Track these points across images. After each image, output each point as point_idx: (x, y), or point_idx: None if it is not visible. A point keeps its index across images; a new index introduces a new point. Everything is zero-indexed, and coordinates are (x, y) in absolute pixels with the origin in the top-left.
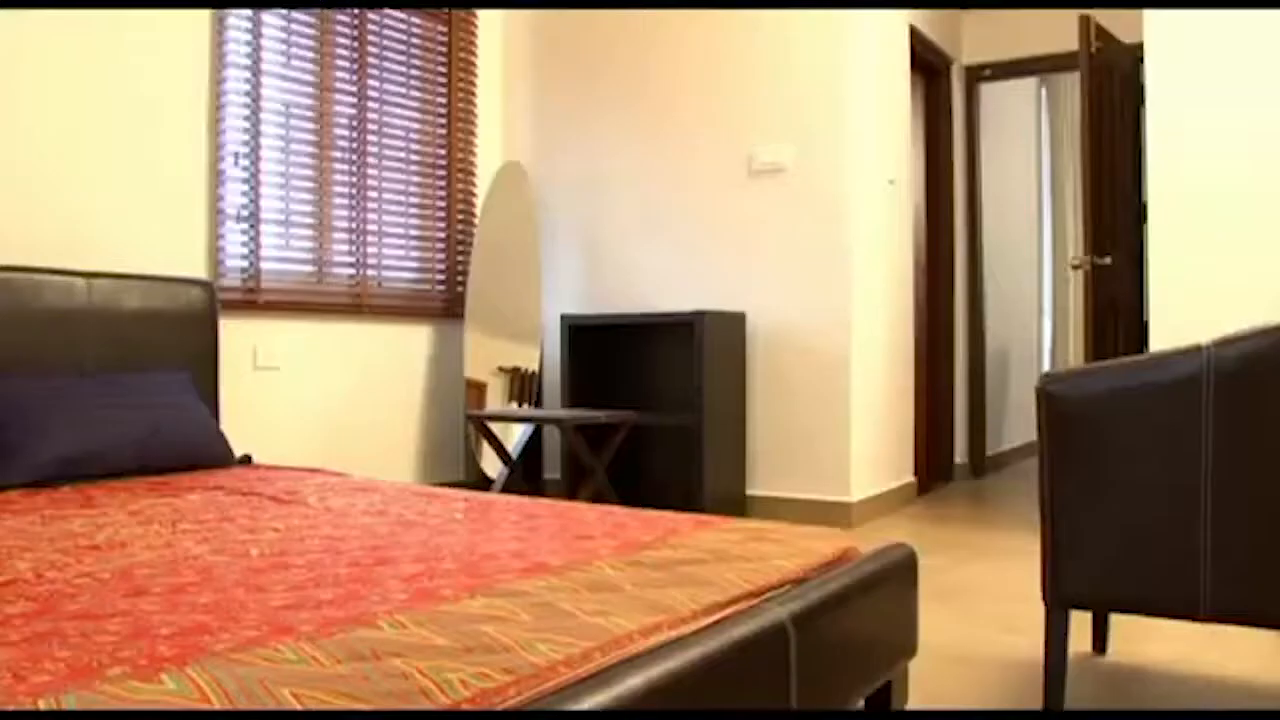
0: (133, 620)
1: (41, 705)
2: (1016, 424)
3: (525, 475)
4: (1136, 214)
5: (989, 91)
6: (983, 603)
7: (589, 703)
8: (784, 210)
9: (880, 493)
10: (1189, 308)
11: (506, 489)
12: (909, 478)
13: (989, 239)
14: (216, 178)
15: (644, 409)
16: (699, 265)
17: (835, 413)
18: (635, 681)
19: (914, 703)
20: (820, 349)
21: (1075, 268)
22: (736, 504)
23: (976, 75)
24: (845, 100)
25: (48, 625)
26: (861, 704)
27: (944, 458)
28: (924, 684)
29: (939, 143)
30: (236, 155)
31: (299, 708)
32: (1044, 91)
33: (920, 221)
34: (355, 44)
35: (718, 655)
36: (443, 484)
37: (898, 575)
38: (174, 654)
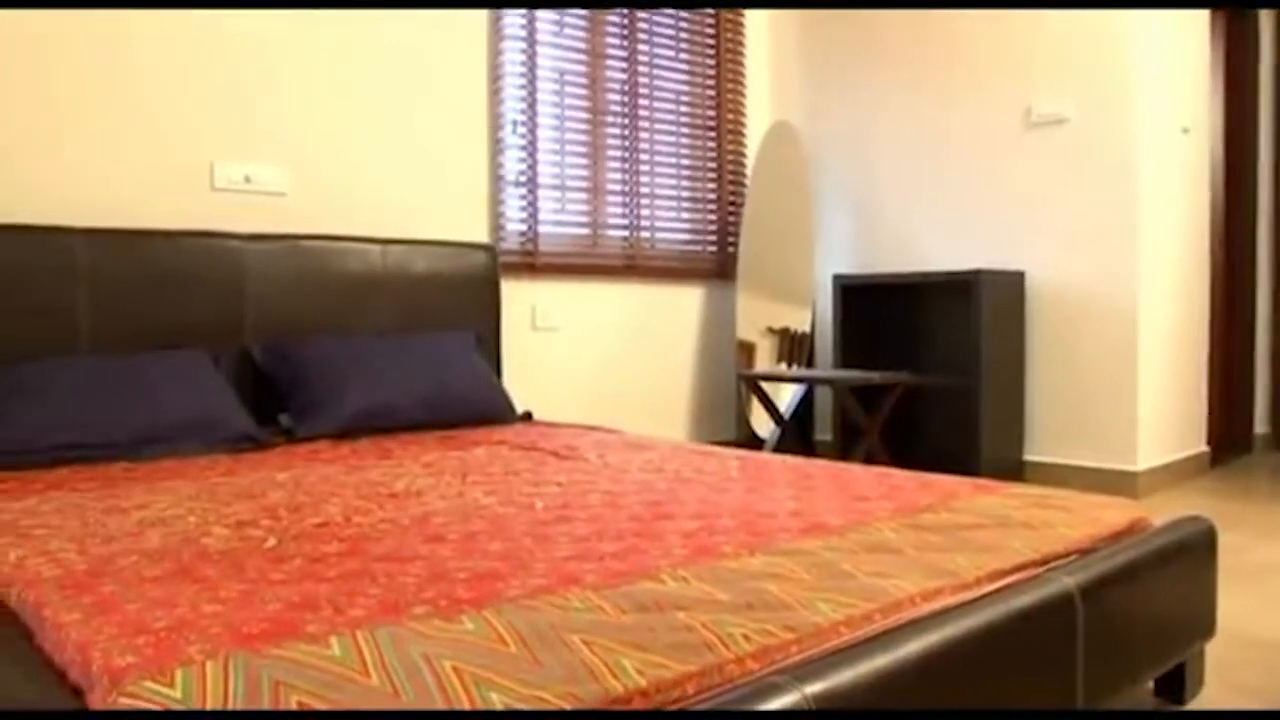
0: (432, 564)
1: (359, 636)
2: None
3: (796, 436)
4: None
5: None
6: None
7: (869, 665)
8: (1065, 164)
9: (1168, 462)
10: None
11: (778, 449)
12: (1201, 447)
13: None
14: (496, 146)
15: (917, 370)
16: (975, 223)
17: (1120, 376)
18: (916, 646)
19: (1210, 688)
20: (1105, 309)
21: None
22: (1013, 470)
23: None
24: (1133, 45)
25: (358, 565)
26: (1151, 684)
27: (1241, 427)
28: (1222, 669)
29: (1243, 85)
30: (514, 123)
31: (589, 655)
32: None
33: (1218, 171)
34: (625, 9)
35: (1001, 624)
36: (714, 443)
37: (1194, 549)
38: (471, 597)
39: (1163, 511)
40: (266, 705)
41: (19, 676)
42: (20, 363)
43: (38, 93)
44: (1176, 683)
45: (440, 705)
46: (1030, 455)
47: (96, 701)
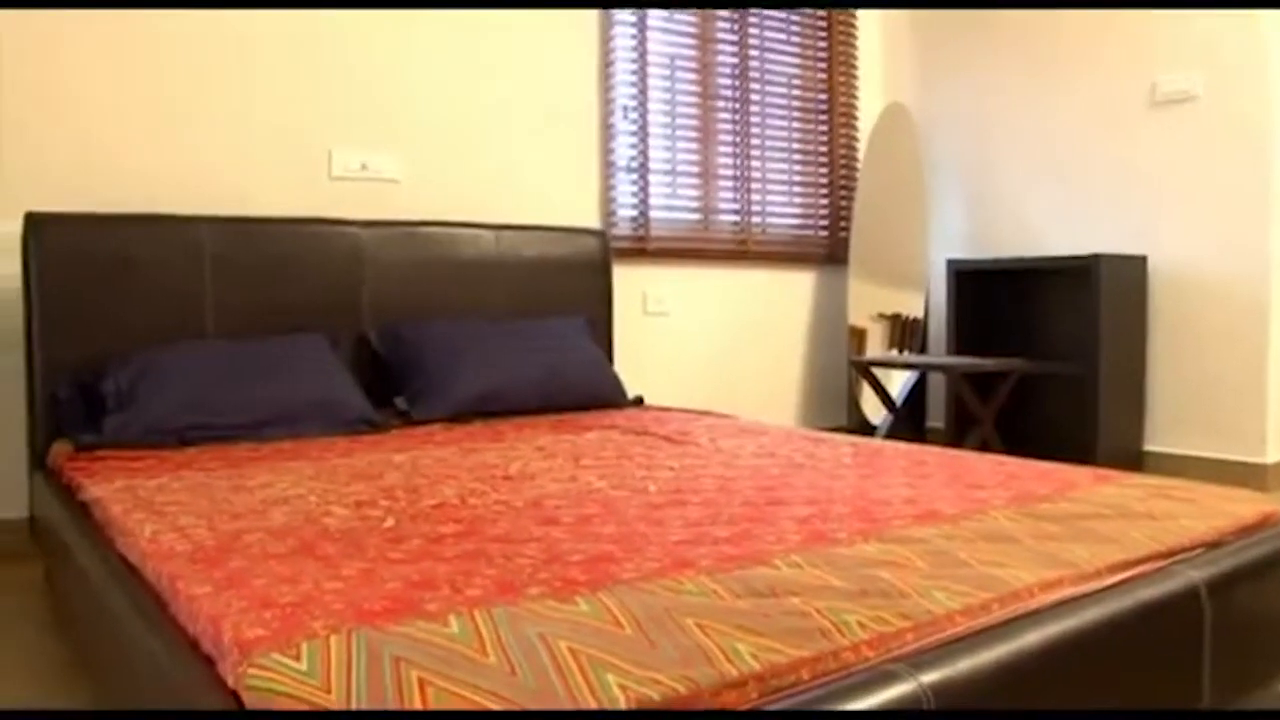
0: (546, 546)
1: (477, 615)
2: None
3: (908, 423)
4: None
5: None
6: None
7: (988, 655)
8: (1192, 143)
9: None
10: None
11: (890, 435)
12: None
13: None
14: (607, 131)
15: (1033, 356)
16: (1095, 206)
17: (1251, 364)
18: (1036, 637)
19: None
20: (1234, 294)
21: None
22: (1132, 459)
23: None
24: (1268, 15)
25: (474, 545)
26: None
27: None
28: None
29: None
30: (625, 109)
31: (703, 638)
32: None
33: None
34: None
35: (1124, 617)
36: (825, 429)
37: None
38: (586, 579)
39: None
40: (388, 681)
41: (159, 645)
42: (152, 346)
43: (166, 89)
44: None
45: (556, 685)
46: (1151, 445)
47: (227, 671)
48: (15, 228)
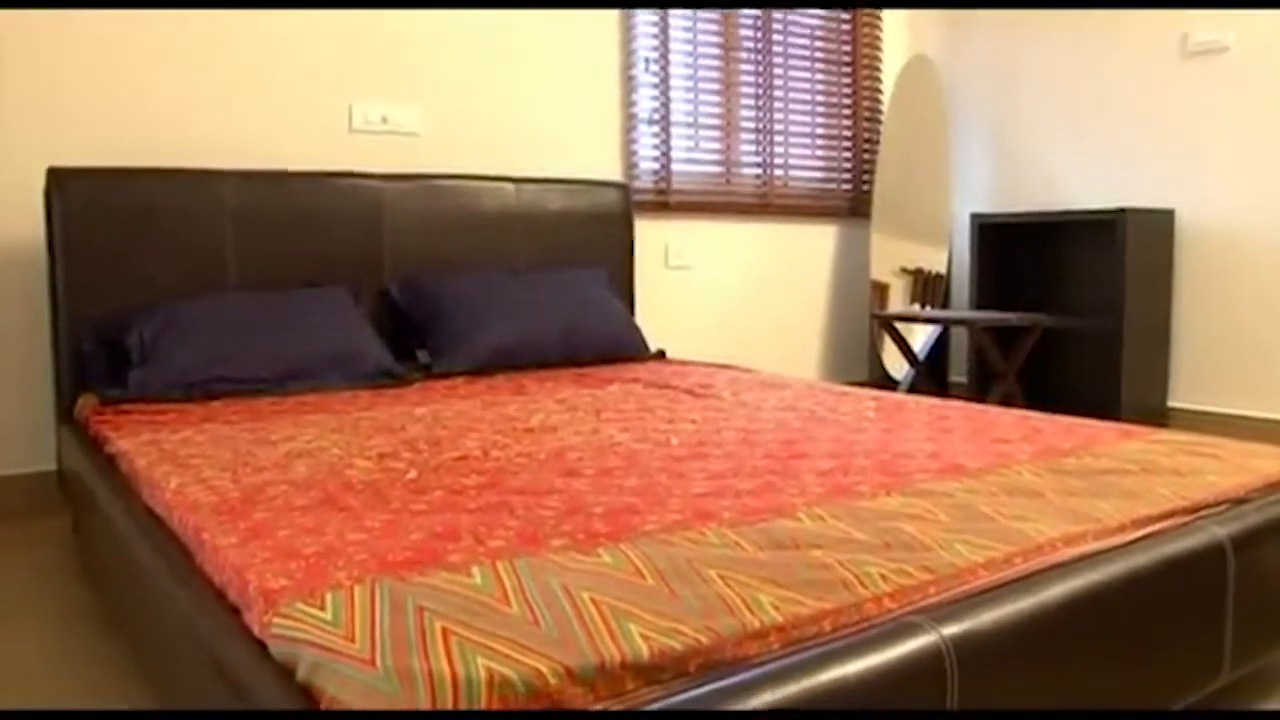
0: (569, 498)
1: (499, 566)
2: None
3: (930, 378)
4: None
5: None
6: None
7: (1010, 608)
8: (1224, 96)
9: None
10: None
11: (912, 390)
12: None
13: None
14: (629, 84)
15: (1057, 311)
16: (1122, 159)
17: (1279, 320)
18: (1058, 591)
19: None
20: (1264, 249)
21: None
22: (1156, 415)
23: None
24: None
25: (497, 497)
26: None
27: None
28: None
29: None
30: (647, 61)
31: (725, 589)
32: None
33: None
34: None
35: (1147, 572)
36: (847, 383)
37: None
38: (608, 531)
39: None
40: (411, 629)
41: (186, 595)
42: (175, 300)
43: (187, 43)
44: None
45: (579, 635)
46: (1175, 401)
47: (253, 620)
48: (39, 182)
